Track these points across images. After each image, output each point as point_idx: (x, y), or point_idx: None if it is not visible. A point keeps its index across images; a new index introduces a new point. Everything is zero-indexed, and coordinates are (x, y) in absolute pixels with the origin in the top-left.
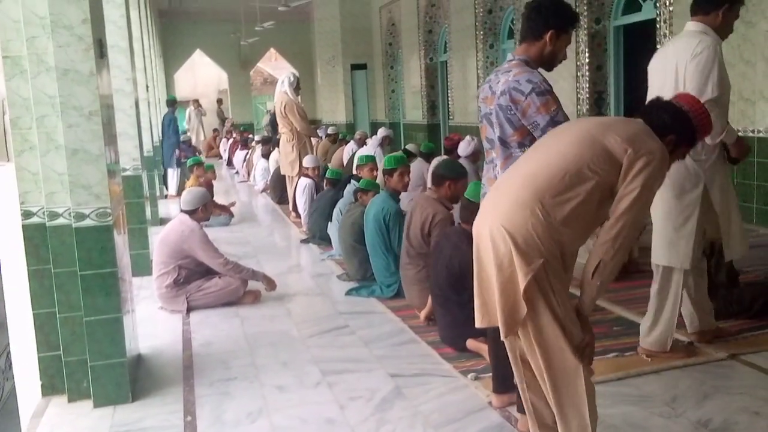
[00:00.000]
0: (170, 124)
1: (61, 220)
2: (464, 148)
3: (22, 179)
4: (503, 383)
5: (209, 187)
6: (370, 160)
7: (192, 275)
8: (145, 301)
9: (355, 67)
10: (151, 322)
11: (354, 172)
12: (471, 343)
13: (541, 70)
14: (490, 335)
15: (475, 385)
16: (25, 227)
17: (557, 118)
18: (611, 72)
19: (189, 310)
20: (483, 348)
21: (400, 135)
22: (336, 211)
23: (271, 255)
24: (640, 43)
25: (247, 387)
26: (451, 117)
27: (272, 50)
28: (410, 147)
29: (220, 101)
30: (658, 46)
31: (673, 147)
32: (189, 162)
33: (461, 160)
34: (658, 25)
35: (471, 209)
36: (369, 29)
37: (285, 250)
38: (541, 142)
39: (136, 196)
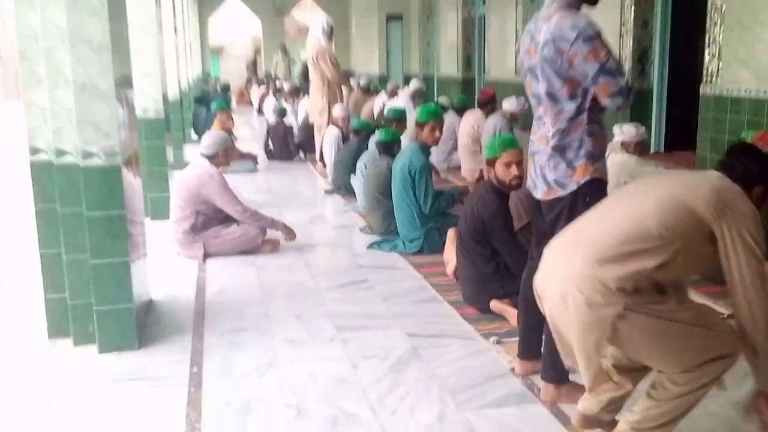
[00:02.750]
0: (205, 125)
1: (68, 158)
2: (511, 103)
3: (31, 115)
4: (530, 349)
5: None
6: (398, 114)
7: (210, 221)
8: (162, 246)
9: (391, 18)
10: (166, 267)
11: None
12: (495, 305)
13: (585, 10)
14: (521, 303)
15: (497, 349)
16: (32, 164)
17: (608, 65)
18: (657, 29)
19: (206, 256)
20: (508, 310)
21: (434, 88)
22: (360, 163)
23: (294, 204)
24: None
25: (257, 339)
26: (486, 72)
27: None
28: (443, 100)
29: (257, 51)
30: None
31: (762, 198)
32: (214, 106)
33: (495, 116)
34: None
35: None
36: None
37: (308, 200)
38: (615, 199)
39: (157, 138)
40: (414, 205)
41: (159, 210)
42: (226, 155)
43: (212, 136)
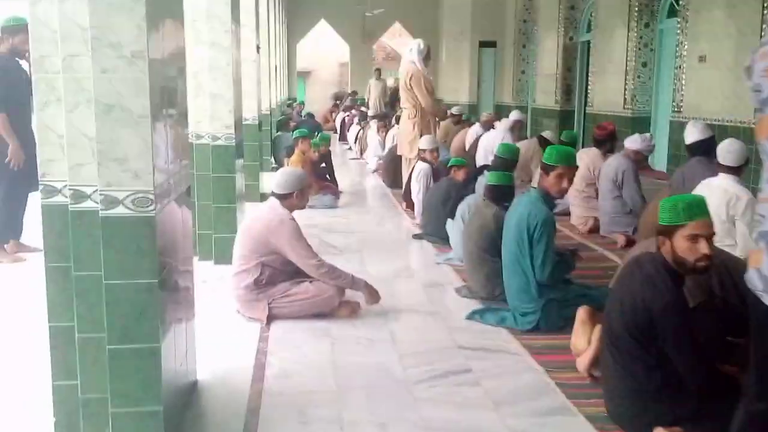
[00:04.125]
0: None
1: (88, 203)
2: (635, 141)
3: (46, 142)
4: None
5: (322, 160)
6: (512, 153)
7: (277, 276)
8: (221, 300)
9: (484, 44)
10: (221, 330)
11: (483, 161)
12: None
13: None
14: None
15: None
16: (45, 208)
17: None
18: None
19: (270, 318)
20: None
21: (528, 120)
22: (462, 208)
23: (378, 251)
24: None
25: None
26: (589, 104)
27: (397, 25)
28: (546, 134)
29: (354, 93)
30: None
31: None
32: (294, 134)
33: (618, 157)
34: None
35: None
36: (503, 4)
37: (394, 245)
38: None
39: (225, 170)
40: (530, 270)
41: (225, 253)
42: (301, 196)
43: (286, 172)
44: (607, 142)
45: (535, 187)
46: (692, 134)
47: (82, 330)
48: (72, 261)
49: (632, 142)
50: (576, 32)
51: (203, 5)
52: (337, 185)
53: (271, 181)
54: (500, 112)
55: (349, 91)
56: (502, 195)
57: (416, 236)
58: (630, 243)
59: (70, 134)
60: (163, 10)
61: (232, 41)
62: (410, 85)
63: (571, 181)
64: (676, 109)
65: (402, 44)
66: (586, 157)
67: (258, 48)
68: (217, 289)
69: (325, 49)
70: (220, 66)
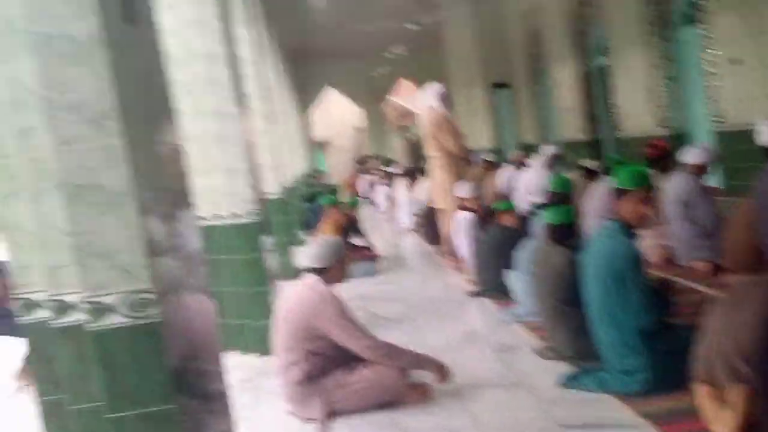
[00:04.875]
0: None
1: (75, 316)
2: (695, 154)
3: (15, 242)
4: None
5: (351, 224)
6: (567, 186)
7: (329, 364)
8: (268, 400)
9: (498, 86)
10: None
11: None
12: None
13: None
14: None
15: None
16: (26, 329)
17: None
18: None
19: (330, 415)
20: None
21: None
22: (522, 256)
23: (433, 316)
24: None
25: None
26: (619, 129)
27: (405, 83)
28: (587, 164)
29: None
30: None
31: None
32: (322, 201)
33: (679, 175)
34: None
35: None
36: (508, 43)
37: (450, 307)
38: None
39: (252, 250)
40: (625, 318)
41: (257, 342)
42: (341, 267)
43: (320, 243)
44: (661, 161)
45: (611, 219)
46: (765, 135)
47: None
48: (66, 391)
49: (692, 156)
50: (591, 59)
51: (200, 71)
52: (371, 249)
53: (304, 255)
54: (526, 151)
55: (370, 154)
56: (567, 234)
57: (472, 294)
58: (718, 269)
59: (40, 230)
60: (137, 59)
61: (238, 109)
62: (435, 131)
63: (651, 205)
64: (717, 119)
65: (410, 100)
66: None
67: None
68: (261, 386)
69: (338, 117)
70: (229, 136)
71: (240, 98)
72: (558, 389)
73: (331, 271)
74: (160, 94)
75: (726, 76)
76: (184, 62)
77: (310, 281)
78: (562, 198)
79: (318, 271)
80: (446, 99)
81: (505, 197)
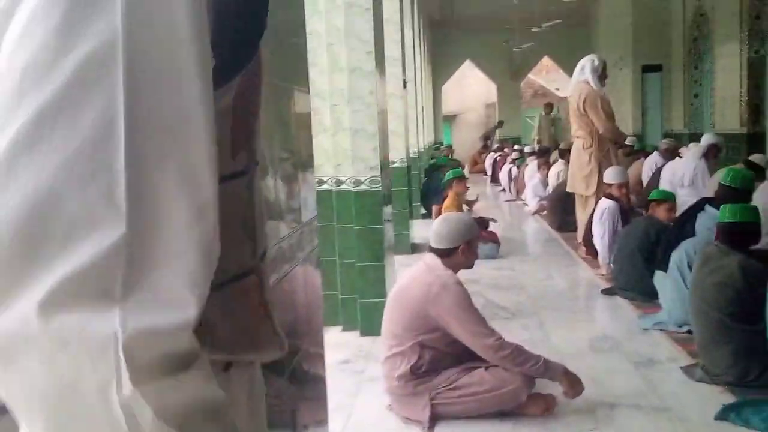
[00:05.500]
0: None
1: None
2: None
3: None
4: None
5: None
6: (746, 179)
7: (441, 359)
8: (367, 389)
9: (647, 69)
10: None
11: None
12: None
13: None
14: None
15: None
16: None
17: None
18: None
19: (433, 418)
20: None
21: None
22: (679, 256)
23: (559, 313)
24: None
25: None
26: None
27: (545, 61)
28: (756, 158)
29: (500, 123)
30: None
31: None
32: (447, 176)
33: None
34: None
35: None
36: (668, 23)
37: (578, 304)
38: None
39: (371, 221)
40: None
41: (374, 322)
42: (469, 250)
43: (449, 220)
44: None
45: None
46: None
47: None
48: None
49: None
50: (764, 45)
51: (340, 23)
52: (492, 230)
53: (430, 233)
54: (678, 140)
55: (496, 123)
56: (746, 236)
57: (606, 291)
58: None
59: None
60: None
61: (375, 67)
62: (584, 109)
63: None
64: None
65: (551, 80)
66: None
67: (405, 83)
68: (362, 371)
69: (469, 91)
70: (362, 95)
71: (379, 58)
72: (713, 422)
73: (458, 254)
74: (296, 51)
75: None
76: (325, 12)
77: (432, 263)
78: (736, 194)
79: (442, 252)
80: (602, 74)
81: (648, 188)
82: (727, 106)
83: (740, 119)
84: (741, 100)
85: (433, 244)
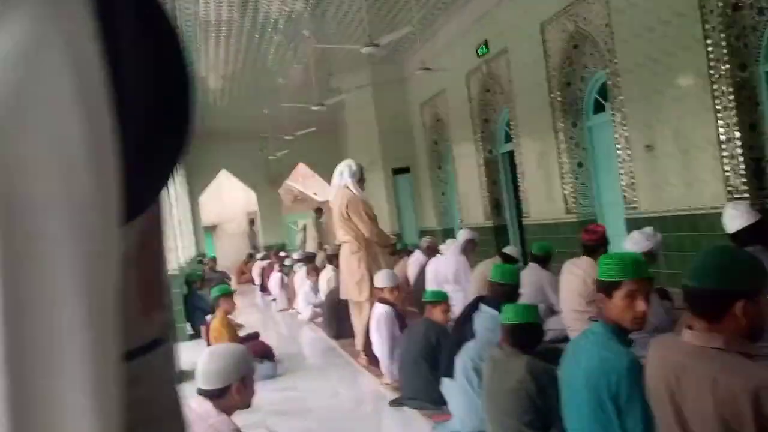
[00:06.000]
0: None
1: None
2: (638, 241)
3: None
4: None
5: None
6: (515, 277)
7: None
8: None
9: (397, 171)
10: None
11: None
12: None
13: None
14: None
15: None
16: None
17: None
18: None
19: None
20: None
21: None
22: (463, 360)
23: None
24: None
25: None
26: (525, 215)
27: (300, 168)
28: (509, 250)
29: (251, 222)
30: None
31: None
32: (213, 292)
33: None
34: None
35: None
36: (410, 128)
37: (370, 421)
38: None
39: None
40: None
41: None
42: (245, 387)
43: (217, 355)
44: (600, 247)
45: (595, 320)
46: (735, 219)
47: None
48: None
49: (636, 244)
50: (495, 145)
51: None
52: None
53: (196, 372)
54: (424, 237)
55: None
56: (530, 337)
57: (394, 402)
58: None
59: None
60: None
61: None
62: (347, 214)
63: (647, 301)
64: (630, 205)
65: (308, 186)
66: (575, 269)
67: None
68: None
69: (229, 200)
70: None
71: None
72: None
73: (231, 394)
74: None
75: (639, 162)
76: None
77: (202, 408)
78: (507, 291)
79: (213, 394)
80: (361, 179)
81: (415, 288)
82: (470, 203)
83: (484, 213)
84: (482, 196)
85: (202, 385)
